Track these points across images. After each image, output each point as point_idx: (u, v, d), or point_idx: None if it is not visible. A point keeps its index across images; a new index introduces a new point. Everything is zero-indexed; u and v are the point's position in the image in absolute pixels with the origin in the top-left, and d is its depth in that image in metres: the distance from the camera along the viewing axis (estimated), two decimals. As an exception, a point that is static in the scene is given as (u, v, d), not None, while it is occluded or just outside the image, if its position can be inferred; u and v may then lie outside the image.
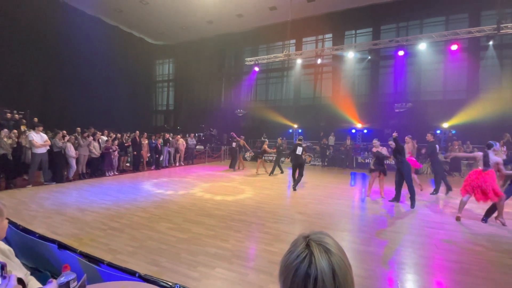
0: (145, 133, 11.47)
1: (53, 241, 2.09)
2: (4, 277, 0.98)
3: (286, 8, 14.35)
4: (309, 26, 15.92)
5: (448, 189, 7.32)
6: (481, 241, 4.03)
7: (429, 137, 7.14)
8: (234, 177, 9.88)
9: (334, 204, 6.14)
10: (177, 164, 12.81)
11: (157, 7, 15.28)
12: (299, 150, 7.71)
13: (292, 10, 14.38)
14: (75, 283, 1.14)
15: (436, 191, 7.36)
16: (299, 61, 16.18)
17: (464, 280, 2.89)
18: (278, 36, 16.91)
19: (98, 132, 9.65)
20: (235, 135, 12.38)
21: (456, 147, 10.38)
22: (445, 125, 13.19)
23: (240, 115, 18.22)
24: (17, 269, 1.34)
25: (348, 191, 7.90)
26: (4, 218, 1.35)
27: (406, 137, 7.37)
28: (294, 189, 7.54)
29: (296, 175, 7.77)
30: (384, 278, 2.95)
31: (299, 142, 7.90)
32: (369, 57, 15.12)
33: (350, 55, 14.49)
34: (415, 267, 3.19)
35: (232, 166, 11.74)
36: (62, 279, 1.13)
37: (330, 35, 16.40)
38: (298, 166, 7.75)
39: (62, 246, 2.01)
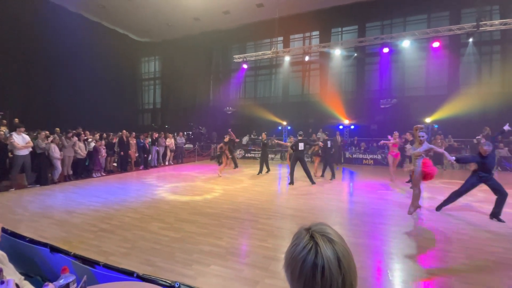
0: (134, 133, 11.23)
1: (44, 244, 2.04)
2: (2, 282, 0.97)
3: (273, 5, 14.37)
4: (296, 23, 16.01)
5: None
6: (465, 230, 4.23)
7: (408, 136, 7.59)
8: (222, 175, 9.86)
9: (324, 199, 6.27)
10: (166, 163, 12.65)
11: (142, 3, 14.91)
12: (301, 146, 7.90)
13: (279, 7, 14.41)
14: (75, 285, 1.13)
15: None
16: (287, 58, 16.25)
17: (451, 268, 3.04)
18: (265, 33, 16.93)
19: (82, 133, 9.37)
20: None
21: (439, 141, 10.76)
22: (428, 120, 13.64)
23: (229, 112, 18.15)
24: (11, 274, 1.31)
25: (337, 185, 8.06)
26: None
27: (394, 133, 8.13)
28: (313, 182, 7.92)
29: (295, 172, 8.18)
30: (374, 268, 3.06)
31: (300, 138, 8.04)
32: (356, 54, 15.38)
33: (337, 52, 14.70)
34: (403, 257, 3.31)
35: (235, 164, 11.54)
36: (61, 281, 1.12)
37: (317, 33, 16.57)
38: (299, 160, 7.96)
39: (54, 249, 1.97)
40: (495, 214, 4.73)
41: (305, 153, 8.46)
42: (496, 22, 11.41)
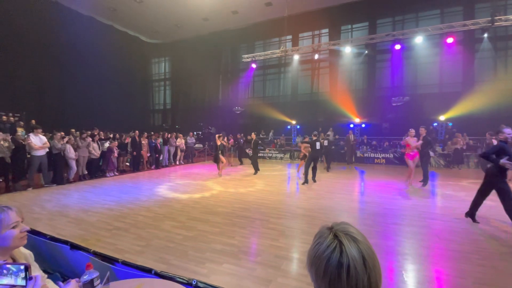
0: (145, 133, 11.43)
1: (65, 242, 2.11)
2: (30, 278, 1.01)
3: (282, 3, 14.30)
4: (305, 22, 15.91)
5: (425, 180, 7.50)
6: (480, 231, 4.12)
7: (422, 131, 7.43)
8: (231, 174, 9.92)
9: (335, 198, 6.22)
10: (177, 163, 12.82)
11: (151, 5, 15.15)
12: (318, 145, 7.94)
13: (288, 5, 14.33)
14: (99, 281, 1.17)
15: (425, 182, 7.48)
16: (296, 57, 16.15)
17: (466, 269, 2.97)
18: (274, 32, 16.90)
19: (96, 134, 9.60)
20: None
21: (459, 139, 10.54)
22: (442, 117, 13.31)
23: (238, 112, 18.21)
24: (36, 272, 1.37)
25: (349, 185, 7.97)
26: (6, 228, 1.18)
27: (410, 130, 7.56)
28: (314, 181, 8.15)
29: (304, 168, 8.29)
30: (388, 269, 3.01)
31: (315, 138, 8.00)
32: (366, 52, 15.14)
33: (347, 50, 14.50)
34: (417, 257, 3.26)
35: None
36: (86, 277, 1.16)
37: (326, 30, 16.40)
38: (313, 160, 8.03)
39: (74, 246, 2.04)
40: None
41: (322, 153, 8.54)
42: (511, 16, 11.01)
